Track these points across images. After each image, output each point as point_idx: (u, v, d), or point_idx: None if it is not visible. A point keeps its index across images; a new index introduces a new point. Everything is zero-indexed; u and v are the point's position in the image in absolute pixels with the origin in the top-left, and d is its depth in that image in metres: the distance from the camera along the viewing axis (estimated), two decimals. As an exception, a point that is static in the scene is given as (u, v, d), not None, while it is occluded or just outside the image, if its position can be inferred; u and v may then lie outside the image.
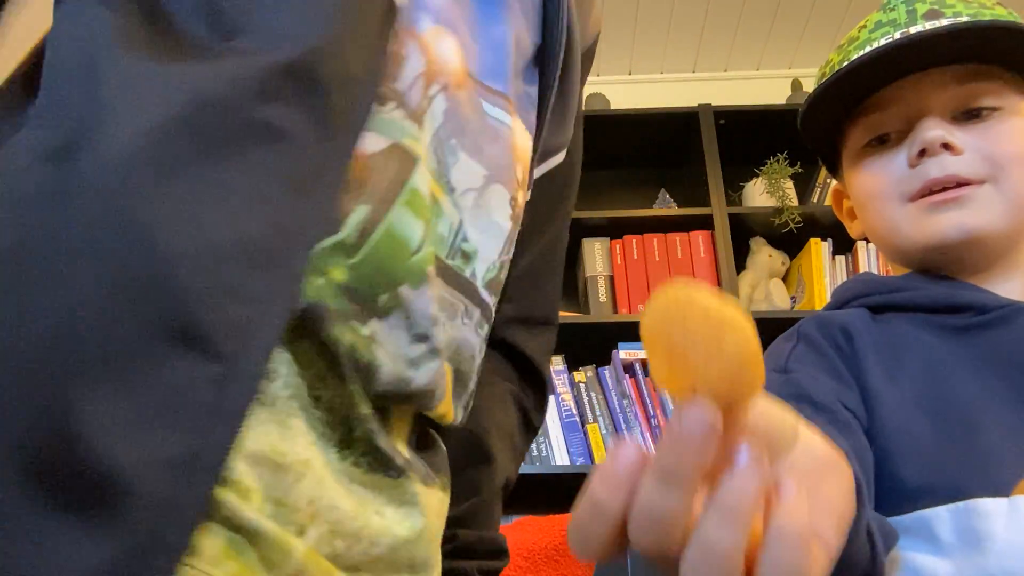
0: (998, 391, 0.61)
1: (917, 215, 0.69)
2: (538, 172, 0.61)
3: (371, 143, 0.45)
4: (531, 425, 0.70)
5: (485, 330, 0.55)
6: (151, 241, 0.35)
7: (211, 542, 0.38)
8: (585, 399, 2.07)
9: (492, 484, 0.64)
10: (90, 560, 0.31)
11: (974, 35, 0.66)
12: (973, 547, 0.54)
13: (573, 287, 2.36)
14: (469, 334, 0.54)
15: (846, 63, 0.71)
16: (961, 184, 0.67)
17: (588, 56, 0.71)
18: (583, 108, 0.74)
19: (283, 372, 0.42)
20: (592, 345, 2.12)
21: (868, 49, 0.69)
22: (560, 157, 0.63)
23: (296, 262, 0.39)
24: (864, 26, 0.74)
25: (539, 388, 0.71)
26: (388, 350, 0.46)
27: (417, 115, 0.47)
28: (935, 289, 0.69)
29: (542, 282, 0.70)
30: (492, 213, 0.54)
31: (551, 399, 2.05)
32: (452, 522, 0.59)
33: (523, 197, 0.57)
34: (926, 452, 0.60)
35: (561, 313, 2.54)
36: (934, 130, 0.68)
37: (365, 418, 0.45)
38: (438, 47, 0.50)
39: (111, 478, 0.32)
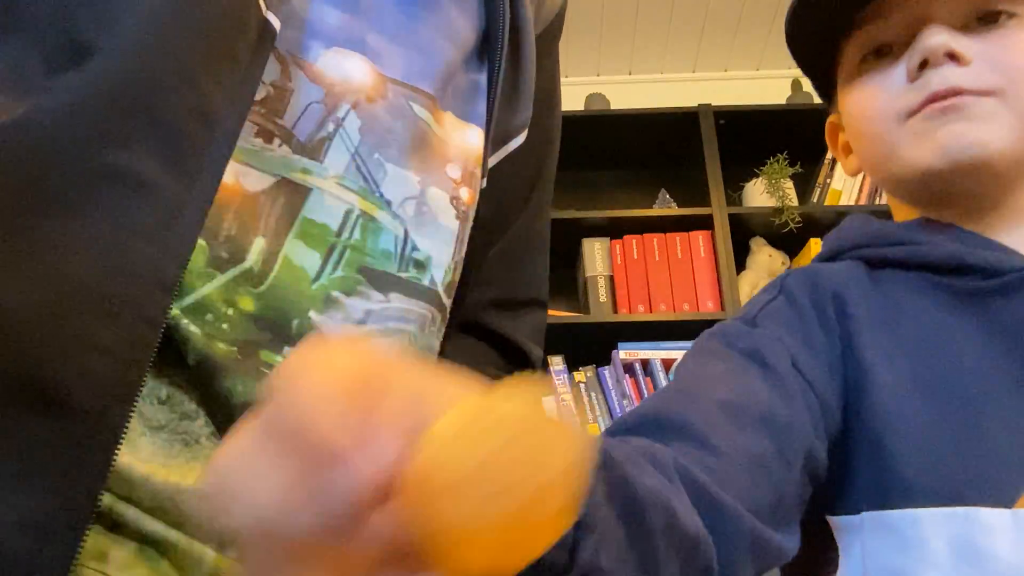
0: (1005, 373, 0.54)
1: (915, 131, 0.60)
2: (496, 159, 0.60)
3: (255, 181, 0.45)
4: None
5: (442, 333, 0.56)
6: None
7: (120, 550, 0.38)
8: (585, 399, 2.07)
9: None
10: None
11: None
12: (970, 563, 0.49)
13: (573, 287, 2.36)
14: (434, 341, 0.54)
15: None
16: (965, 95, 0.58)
17: (552, 32, 0.70)
18: (558, 98, 0.72)
19: (202, 413, 0.42)
20: (592, 345, 2.12)
21: None
22: (519, 140, 0.62)
23: (150, 308, 0.38)
24: None
25: (527, 369, 0.69)
26: None
27: (311, 147, 0.47)
28: (941, 245, 0.60)
29: (521, 263, 0.69)
30: (438, 217, 0.54)
31: (551, 399, 2.05)
32: None
33: (469, 194, 0.57)
34: (922, 445, 0.53)
35: (561, 313, 2.53)
36: (937, 36, 0.59)
37: None
38: (337, 70, 0.49)
39: None
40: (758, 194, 2.34)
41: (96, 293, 0.36)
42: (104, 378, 0.35)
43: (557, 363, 2.11)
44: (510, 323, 0.68)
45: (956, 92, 0.58)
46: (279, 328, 0.45)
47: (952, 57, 0.59)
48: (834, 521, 0.57)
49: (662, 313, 2.13)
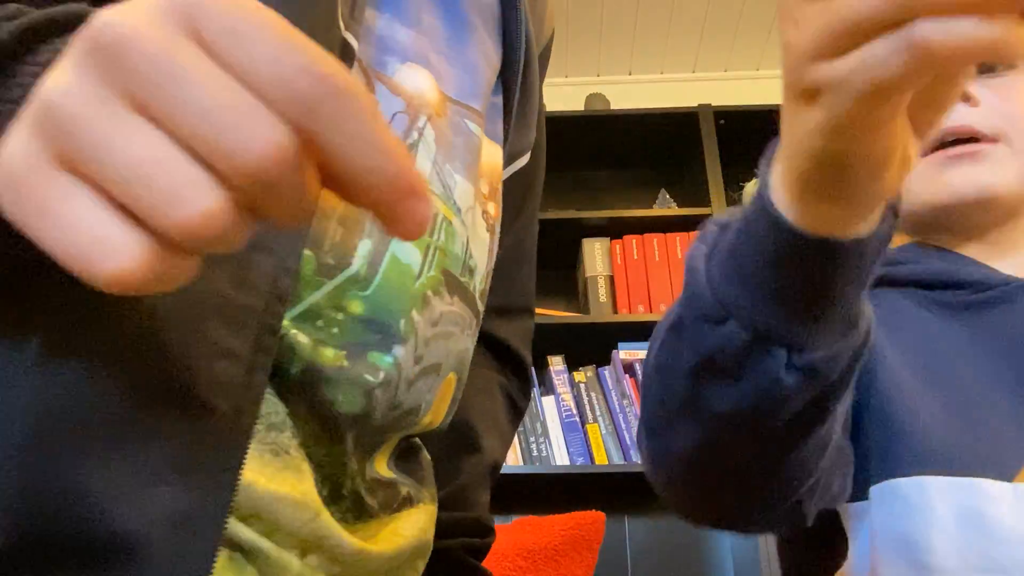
0: (998, 375, 0.59)
1: (930, 171, 0.64)
2: (504, 175, 0.63)
3: None
4: (516, 408, 0.73)
5: (475, 338, 0.58)
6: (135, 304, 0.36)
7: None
8: (585, 399, 2.07)
9: (477, 471, 0.66)
10: None
11: None
12: (975, 528, 0.52)
13: (573, 287, 2.35)
14: (471, 344, 0.56)
15: None
16: (976, 140, 0.64)
17: (544, 56, 0.74)
18: (544, 116, 0.77)
19: (289, 424, 0.44)
20: (592, 345, 2.11)
21: None
22: (525, 159, 0.66)
23: (269, 317, 0.40)
24: None
25: (520, 373, 0.74)
26: (403, 376, 0.48)
27: None
28: (934, 264, 0.66)
29: (514, 273, 0.73)
30: (478, 228, 0.56)
31: (552, 399, 2.06)
32: None
33: (494, 209, 0.59)
34: (927, 423, 0.57)
35: (561, 313, 2.53)
36: None
37: (353, 474, 0.47)
38: (412, 84, 0.52)
39: (116, 538, 0.33)
40: (758, 194, 2.34)
41: (226, 303, 0.38)
42: (235, 382, 0.38)
43: (557, 363, 2.11)
44: (505, 328, 0.72)
45: (969, 131, 0.64)
46: (387, 328, 0.47)
47: (965, 98, 0.63)
48: (843, 509, 0.59)
49: (662, 313, 2.12)
